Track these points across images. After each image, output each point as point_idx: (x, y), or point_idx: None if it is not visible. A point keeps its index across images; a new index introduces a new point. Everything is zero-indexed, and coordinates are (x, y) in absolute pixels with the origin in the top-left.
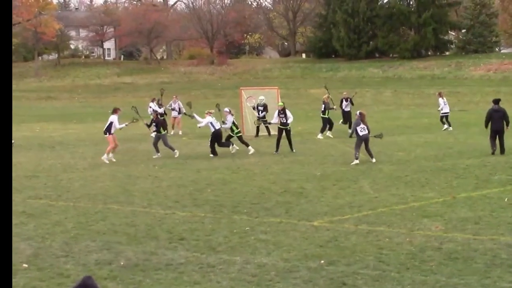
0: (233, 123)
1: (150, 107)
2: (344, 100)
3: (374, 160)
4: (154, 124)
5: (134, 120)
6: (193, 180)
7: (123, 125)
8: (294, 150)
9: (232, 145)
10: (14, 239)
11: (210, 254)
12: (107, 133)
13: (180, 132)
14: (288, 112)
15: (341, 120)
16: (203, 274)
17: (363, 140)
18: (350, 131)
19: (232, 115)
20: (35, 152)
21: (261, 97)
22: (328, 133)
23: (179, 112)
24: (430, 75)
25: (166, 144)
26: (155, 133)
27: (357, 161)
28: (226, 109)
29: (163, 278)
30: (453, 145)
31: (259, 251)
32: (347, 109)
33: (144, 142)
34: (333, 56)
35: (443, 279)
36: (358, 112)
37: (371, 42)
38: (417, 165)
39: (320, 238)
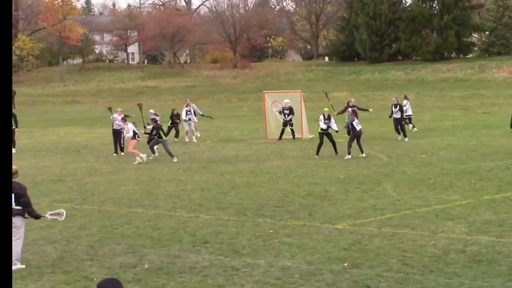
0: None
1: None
2: (393, 106)
3: (364, 155)
4: (154, 131)
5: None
6: (217, 183)
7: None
8: (338, 154)
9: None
10: (40, 242)
11: (234, 257)
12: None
13: (199, 134)
14: (332, 119)
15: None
16: (227, 277)
17: (359, 135)
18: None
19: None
20: (61, 156)
21: (286, 100)
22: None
23: (195, 115)
24: (453, 77)
25: (166, 149)
26: (155, 137)
27: (349, 156)
28: (151, 111)
29: (187, 281)
30: (477, 148)
31: (282, 254)
32: (397, 116)
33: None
34: (356, 59)
35: (467, 282)
36: (350, 109)
37: (393, 45)
38: (440, 168)
39: (343, 241)
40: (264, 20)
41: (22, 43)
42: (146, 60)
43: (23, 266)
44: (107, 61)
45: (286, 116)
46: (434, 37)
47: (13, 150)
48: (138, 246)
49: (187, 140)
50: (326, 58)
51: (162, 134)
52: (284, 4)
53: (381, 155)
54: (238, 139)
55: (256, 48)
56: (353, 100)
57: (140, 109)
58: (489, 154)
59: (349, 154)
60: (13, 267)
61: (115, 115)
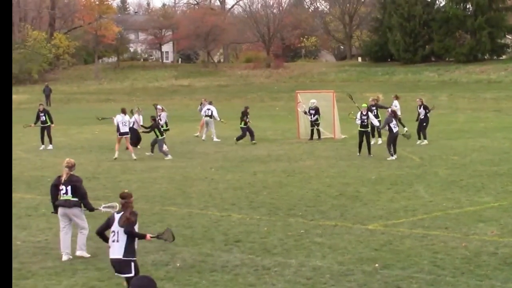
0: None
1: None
2: (418, 107)
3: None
4: (150, 128)
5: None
6: (249, 182)
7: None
8: (371, 155)
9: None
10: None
11: (265, 256)
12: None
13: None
14: (371, 115)
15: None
16: (258, 276)
17: (395, 137)
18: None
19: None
20: (95, 154)
21: (312, 100)
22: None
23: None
24: (487, 79)
25: (160, 148)
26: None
27: (393, 157)
28: (159, 107)
29: (218, 279)
30: (510, 150)
31: (314, 254)
32: (422, 116)
33: (201, 144)
34: (389, 60)
35: (498, 284)
36: (390, 110)
37: (427, 46)
38: (472, 170)
39: (374, 242)
40: (297, 20)
41: (59, 41)
42: (180, 59)
43: (89, 255)
44: (142, 60)
45: (312, 116)
46: (467, 39)
47: (50, 147)
48: (170, 244)
49: (215, 139)
50: (359, 59)
51: (157, 133)
52: (318, 4)
53: (413, 156)
54: (271, 138)
55: (290, 48)
56: (377, 97)
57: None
58: None
59: (392, 155)
60: (77, 253)
61: (135, 116)
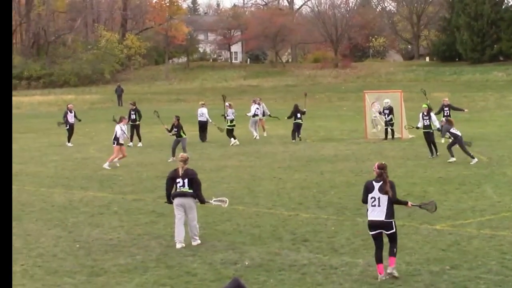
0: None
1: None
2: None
3: (454, 159)
4: (175, 128)
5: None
6: (316, 182)
7: (124, 135)
8: (432, 155)
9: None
10: (145, 237)
11: (333, 256)
12: (115, 143)
13: (265, 134)
14: (433, 115)
15: None
16: (325, 275)
17: (461, 140)
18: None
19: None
20: (166, 153)
21: (386, 100)
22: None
23: (264, 115)
24: None
25: (184, 148)
26: (175, 137)
27: (475, 160)
28: (227, 104)
29: (286, 278)
30: None
31: None
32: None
33: (268, 144)
34: (457, 59)
35: None
36: (445, 119)
37: (495, 46)
38: None
39: (442, 242)
40: (365, 20)
41: (130, 42)
42: (248, 59)
43: (200, 241)
44: (211, 60)
45: (387, 116)
46: None
47: (139, 144)
48: (238, 243)
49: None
50: (427, 58)
51: (181, 133)
52: (385, 4)
53: (481, 156)
54: (338, 138)
55: (357, 48)
56: (447, 99)
57: (158, 116)
58: None
59: (473, 158)
60: (194, 243)
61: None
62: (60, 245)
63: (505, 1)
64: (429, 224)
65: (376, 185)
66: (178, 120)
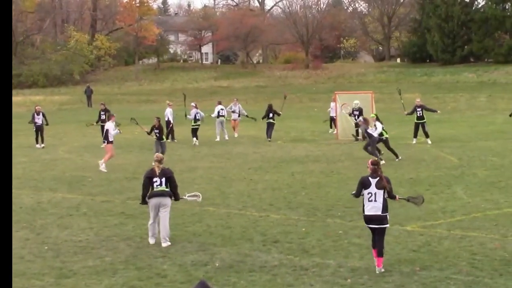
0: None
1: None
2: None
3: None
4: (156, 130)
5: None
6: (287, 183)
7: (117, 131)
8: (399, 158)
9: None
10: (113, 239)
11: (304, 257)
12: (105, 142)
13: (236, 135)
14: (378, 124)
15: None
16: (296, 276)
17: (377, 141)
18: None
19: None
20: (135, 154)
21: (356, 101)
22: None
23: (239, 115)
24: None
25: (163, 152)
26: (156, 139)
27: (382, 161)
28: (192, 104)
29: (257, 280)
30: None
31: (352, 254)
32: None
33: (239, 145)
34: (428, 60)
35: None
36: (362, 118)
37: (465, 47)
38: (511, 171)
39: (412, 243)
40: (336, 21)
41: (100, 43)
42: (219, 60)
43: (170, 243)
44: (181, 61)
45: (356, 117)
46: (507, 39)
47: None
48: (209, 244)
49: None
50: (398, 60)
51: (163, 136)
52: (357, 6)
53: (451, 157)
54: (309, 139)
55: (328, 49)
56: (418, 99)
57: (137, 123)
58: None
59: (380, 158)
60: (164, 244)
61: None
62: (28, 247)
63: (475, 3)
64: (400, 225)
65: (373, 181)
66: (159, 121)
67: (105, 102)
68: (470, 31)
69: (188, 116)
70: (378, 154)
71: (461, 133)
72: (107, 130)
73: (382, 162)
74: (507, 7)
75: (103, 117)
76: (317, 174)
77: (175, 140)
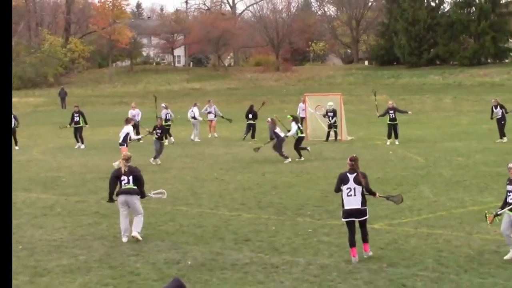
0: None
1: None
2: (494, 107)
3: (302, 158)
4: (158, 130)
5: (148, 132)
6: (258, 183)
7: (139, 136)
8: (301, 158)
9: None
10: (87, 238)
11: (274, 255)
12: (125, 144)
13: (216, 135)
14: (293, 125)
15: None
16: (267, 274)
17: (283, 141)
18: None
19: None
20: (109, 154)
21: (330, 103)
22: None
23: (215, 116)
24: (490, 82)
25: (160, 151)
26: (157, 139)
27: (289, 159)
28: (162, 105)
29: (228, 277)
30: None
31: (321, 252)
32: (498, 116)
33: (211, 146)
34: (395, 63)
35: (500, 282)
36: (270, 118)
37: (431, 50)
38: (476, 170)
39: (380, 241)
40: (306, 25)
41: (74, 46)
42: (191, 63)
43: (140, 238)
44: (154, 64)
45: (331, 118)
46: (471, 43)
47: (82, 146)
48: (181, 243)
49: (192, 139)
50: (366, 62)
51: (164, 136)
52: (326, 9)
53: (418, 157)
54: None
55: (298, 52)
56: (390, 102)
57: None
58: None
59: (287, 158)
60: (133, 233)
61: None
62: None
63: (441, 7)
64: (367, 224)
65: (351, 177)
66: (161, 122)
67: (79, 104)
68: (436, 34)
69: (159, 117)
70: (284, 154)
71: (427, 134)
72: (127, 134)
73: (289, 160)
74: (471, 12)
75: (76, 119)
76: (287, 174)
77: (141, 141)
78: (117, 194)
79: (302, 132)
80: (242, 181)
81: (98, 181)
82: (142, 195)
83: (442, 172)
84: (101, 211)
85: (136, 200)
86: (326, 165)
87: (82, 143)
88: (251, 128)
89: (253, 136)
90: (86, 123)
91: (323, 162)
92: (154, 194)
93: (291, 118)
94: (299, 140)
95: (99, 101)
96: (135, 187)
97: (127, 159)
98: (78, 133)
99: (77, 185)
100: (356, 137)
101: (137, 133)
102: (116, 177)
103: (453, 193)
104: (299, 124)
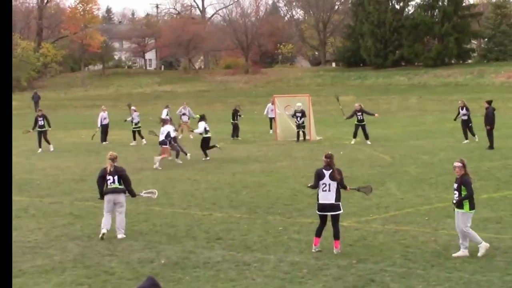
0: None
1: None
2: (460, 108)
3: (208, 158)
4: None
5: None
6: (229, 182)
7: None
8: (207, 158)
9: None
10: (62, 238)
11: (246, 252)
12: (168, 143)
13: (191, 136)
14: (200, 124)
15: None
16: (239, 271)
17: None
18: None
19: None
20: (82, 157)
21: (299, 104)
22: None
23: (188, 118)
24: (454, 82)
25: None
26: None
27: (189, 155)
28: (133, 107)
29: (201, 275)
30: (475, 149)
31: (292, 249)
32: (464, 118)
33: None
34: (361, 65)
35: (466, 276)
36: (201, 116)
37: (397, 51)
38: (441, 168)
39: (349, 238)
40: (274, 28)
41: (46, 50)
42: (162, 66)
43: (125, 235)
44: (126, 67)
45: (299, 119)
46: (435, 44)
47: (51, 148)
48: (155, 242)
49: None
50: (333, 64)
51: None
52: (294, 13)
53: (384, 156)
54: (250, 140)
55: (267, 55)
56: (357, 104)
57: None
58: (487, 155)
59: (186, 154)
60: (119, 236)
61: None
62: None
63: (406, 10)
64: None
65: (327, 173)
66: (163, 124)
67: (53, 107)
68: (401, 36)
69: (131, 120)
70: (185, 150)
71: (394, 133)
72: (168, 132)
73: (187, 156)
74: (435, 14)
75: (41, 123)
76: (258, 174)
77: (107, 142)
78: (105, 194)
79: (207, 133)
80: (213, 181)
81: (71, 183)
82: (131, 194)
83: (408, 170)
84: (75, 212)
85: (123, 199)
86: (295, 164)
87: (49, 143)
88: (235, 128)
89: (234, 134)
90: (49, 126)
91: (292, 162)
92: (145, 193)
93: (199, 117)
94: (205, 140)
95: (71, 104)
96: (121, 186)
97: (113, 159)
98: (44, 136)
99: (51, 187)
100: (325, 137)
101: (105, 138)
102: (102, 177)
103: (419, 190)
104: (206, 125)
